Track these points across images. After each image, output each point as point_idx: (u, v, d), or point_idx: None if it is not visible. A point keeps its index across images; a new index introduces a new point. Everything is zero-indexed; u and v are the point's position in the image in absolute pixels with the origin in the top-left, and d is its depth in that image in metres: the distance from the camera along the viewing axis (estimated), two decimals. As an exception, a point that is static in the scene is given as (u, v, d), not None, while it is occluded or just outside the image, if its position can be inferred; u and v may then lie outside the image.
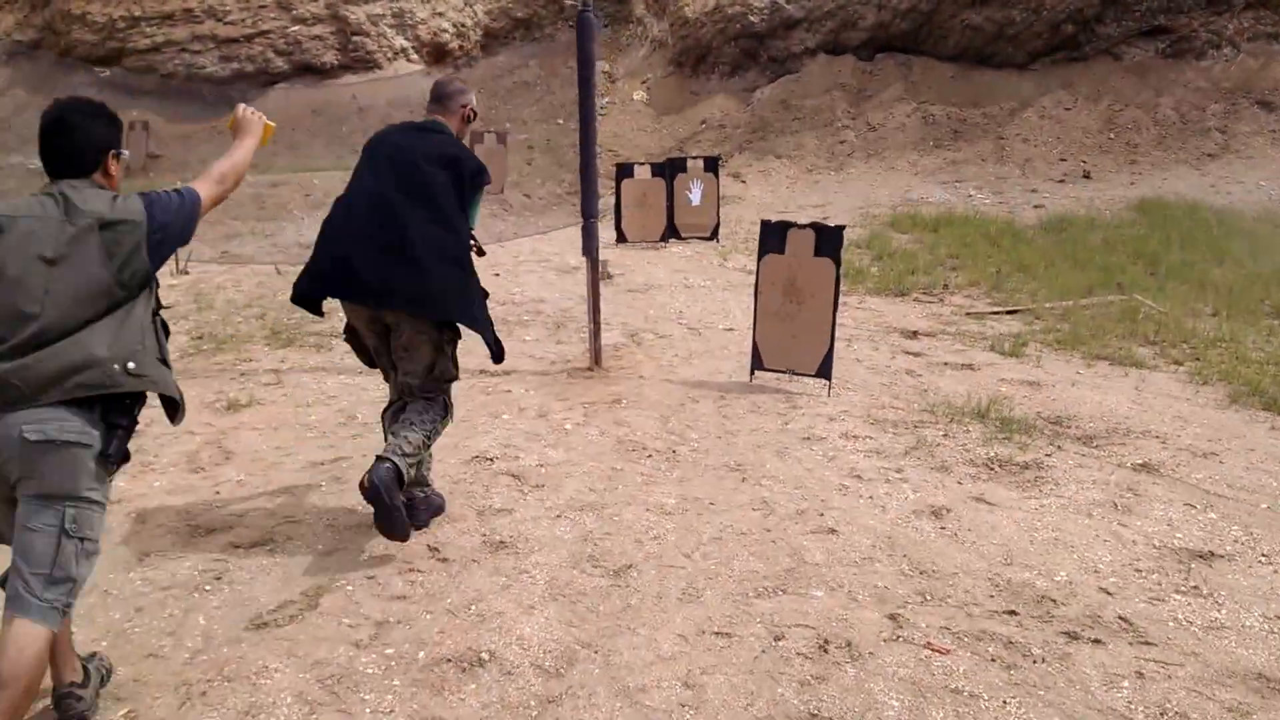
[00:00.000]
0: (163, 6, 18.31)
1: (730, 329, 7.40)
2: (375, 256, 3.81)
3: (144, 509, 4.29)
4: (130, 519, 4.18)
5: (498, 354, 4.12)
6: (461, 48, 19.55)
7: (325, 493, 4.43)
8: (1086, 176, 13.92)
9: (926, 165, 14.72)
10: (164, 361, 2.94)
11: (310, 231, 11.40)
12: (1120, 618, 3.39)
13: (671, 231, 11.01)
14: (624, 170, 10.89)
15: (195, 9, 18.30)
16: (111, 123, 2.90)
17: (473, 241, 4.09)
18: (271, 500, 4.37)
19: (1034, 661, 3.13)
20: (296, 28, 18.41)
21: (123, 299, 2.73)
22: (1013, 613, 3.42)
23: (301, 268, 4.06)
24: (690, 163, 11.13)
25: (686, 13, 18.38)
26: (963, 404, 5.71)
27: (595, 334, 6.32)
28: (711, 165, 11.09)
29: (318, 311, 4.15)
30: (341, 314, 4.14)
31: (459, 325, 4.01)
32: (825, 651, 3.17)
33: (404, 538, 3.67)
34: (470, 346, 4.19)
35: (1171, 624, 3.39)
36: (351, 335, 4.18)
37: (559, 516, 4.19)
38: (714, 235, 11.05)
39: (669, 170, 10.93)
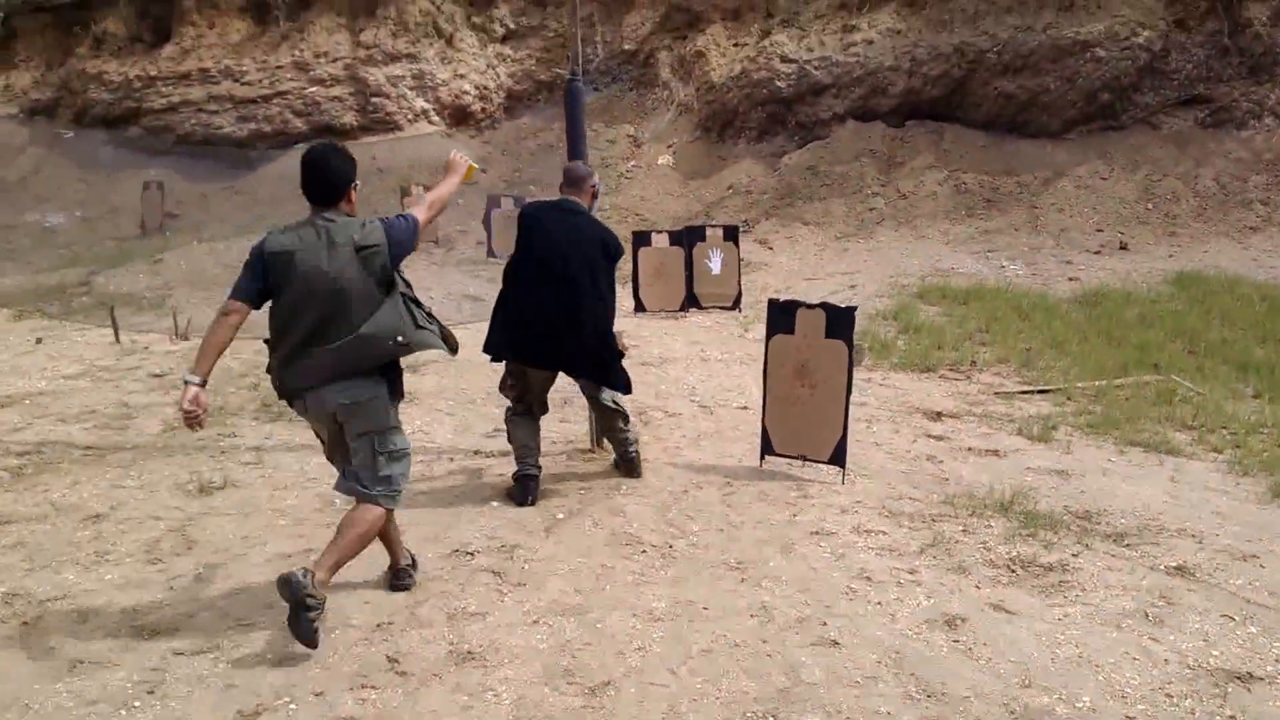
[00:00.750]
0: (179, 67, 18.44)
1: (744, 407, 7.06)
2: (562, 330, 5.02)
3: (89, 607, 4.00)
4: (73, 618, 3.89)
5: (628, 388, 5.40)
6: (484, 110, 19.57)
7: (288, 588, 4.11)
8: (1123, 248, 13.50)
9: (958, 234, 14.38)
10: (420, 325, 3.89)
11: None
12: (1155, 765, 2.99)
13: (692, 301, 10.72)
14: (641, 238, 10.64)
15: (212, 69, 18.41)
16: (351, 162, 3.91)
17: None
18: (227, 599, 4.06)
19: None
20: (315, 89, 18.48)
21: (382, 297, 3.75)
22: (1031, 755, 3.03)
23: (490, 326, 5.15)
24: (709, 231, 10.87)
25: (713, 78, 18.31)
26: (985, 495, 5.33)
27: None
28: (731, 234, 10.82)
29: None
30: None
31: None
32: (815, 802, 2.79)
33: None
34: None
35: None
36: (517, 382, 5.22)
37: (536, 622, 3.86)
38: (736, 305, 10.75)
39: (687, 239, 10.67)
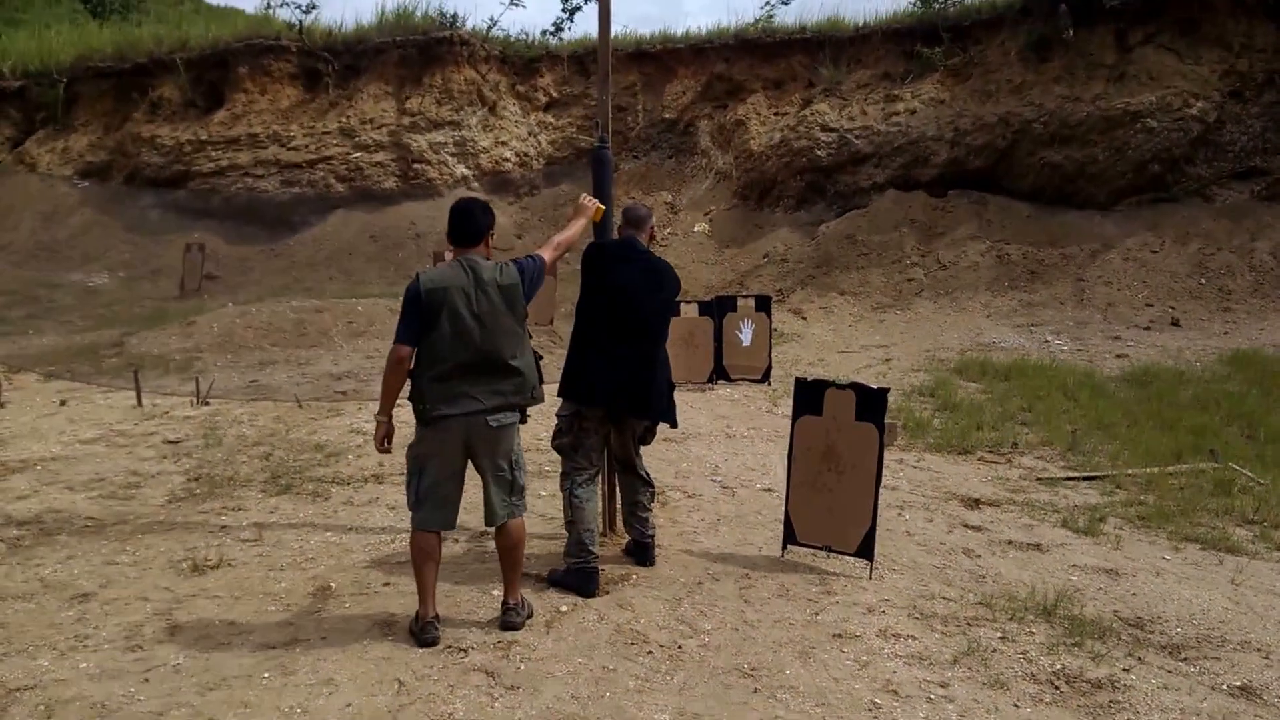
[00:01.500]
0: (229, 131, 18.70)
1: (769, 489, 6.72)
2: (641, 375, 5.01)
3: (57, 699, 3.74)
4: (39, 712, 3.63)
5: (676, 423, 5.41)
6: (523, 176, 19.64)
7: (265, 689, 3.82)
8: (1175, 324, 13.04)
9: (1000, 307, 14.01)
10: (542, 380, 4.48)
11: (346, 362, 11.22)
12: None
13: (720, 373, 10.43)
14: (670, 308, 10.40)
15: (260, 134, 18.65)
16: (490, 214, 4.41)
17: None
18: (201, 695, 3.77)
19: None
20: (359, 154, 18.64)
21: (521, 333, 4.31)
22: None
23: (567, 370, 5.04)
24: (741, 302, 10.61)
25: (752, 146, 18.22)
26: (1026, 597, 4.93)
27: (610, 495, 5.69)
28: (763, 304, 10.55)
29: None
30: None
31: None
32: None
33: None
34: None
35: None
36: (571, 431, 5.04)
37: (526, 734, 3.52)
38: (765, 378, 10.44)
39: (717, 309, 10.41)
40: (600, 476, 5.28)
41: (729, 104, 19.51)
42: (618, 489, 5.52)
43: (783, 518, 5.45)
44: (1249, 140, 15.28)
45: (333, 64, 19.23)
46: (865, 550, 5.14)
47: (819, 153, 17.25)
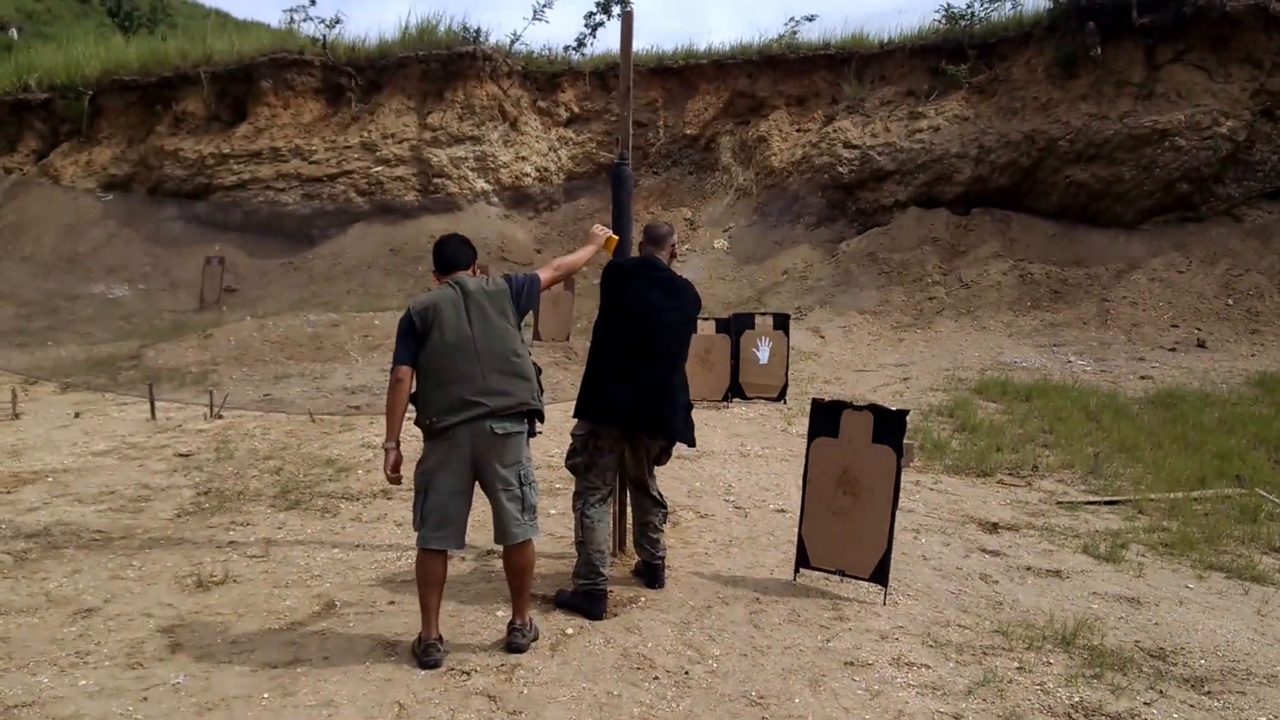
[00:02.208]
0: (251, 145, 18.81)
1: (782, 510, 6.61)
2: (660, 395, 4.93)
3: (54, 717, 3.69)
4: (32, 734, 3.58)
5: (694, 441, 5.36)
6: (543, 191, 19.64)
7: (264, 709, 3.75)
8: (1201, 345, 12.83)
9: (1022, 326, 13.84)
10: (542, 391, 4.43)
11: (361, 376, 11.19)
12: None
13: (736, 391, 10.33)
14: (686, 325, 10.32)
15: (282, 148, 18.74)
16: (471, 246, 4.51)
17: None
18: (199, 715, 3.72)
19: None
20: (379, 168, 18.70)
21: (519, 337, 4.32)
22: None
23: (584, 389, 4.99)
24: (758, 319, 10.51)
25: (774, 162, 18.15)
26: (1044, 625, 4.80)
27: (620, 514, 5.61)
28: (781, 323, 10.44)
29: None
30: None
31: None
32: None
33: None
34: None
35: None
36: (586, 451, 4.96)
37: (525, 763, 3.44)
38: (781, 396, 10.32)
39: (735, 327, 10.32)
40: (612, 497, 5.19)
41: (751, 120, 19.46)
42: (629, 508, 5.44)
43: (796, 540, 5.35)
44: (1279, 159, 15.07)
45: (355, 78, 19.33)
46: (880, 575, 5.03)
47: (841, 169, 17.16)
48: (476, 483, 4.30)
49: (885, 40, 18.59)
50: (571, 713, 3.80)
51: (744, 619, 4.77)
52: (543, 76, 20.34)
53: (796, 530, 5.34)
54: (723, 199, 18.69)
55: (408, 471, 4.28)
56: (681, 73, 20.11)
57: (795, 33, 19.85)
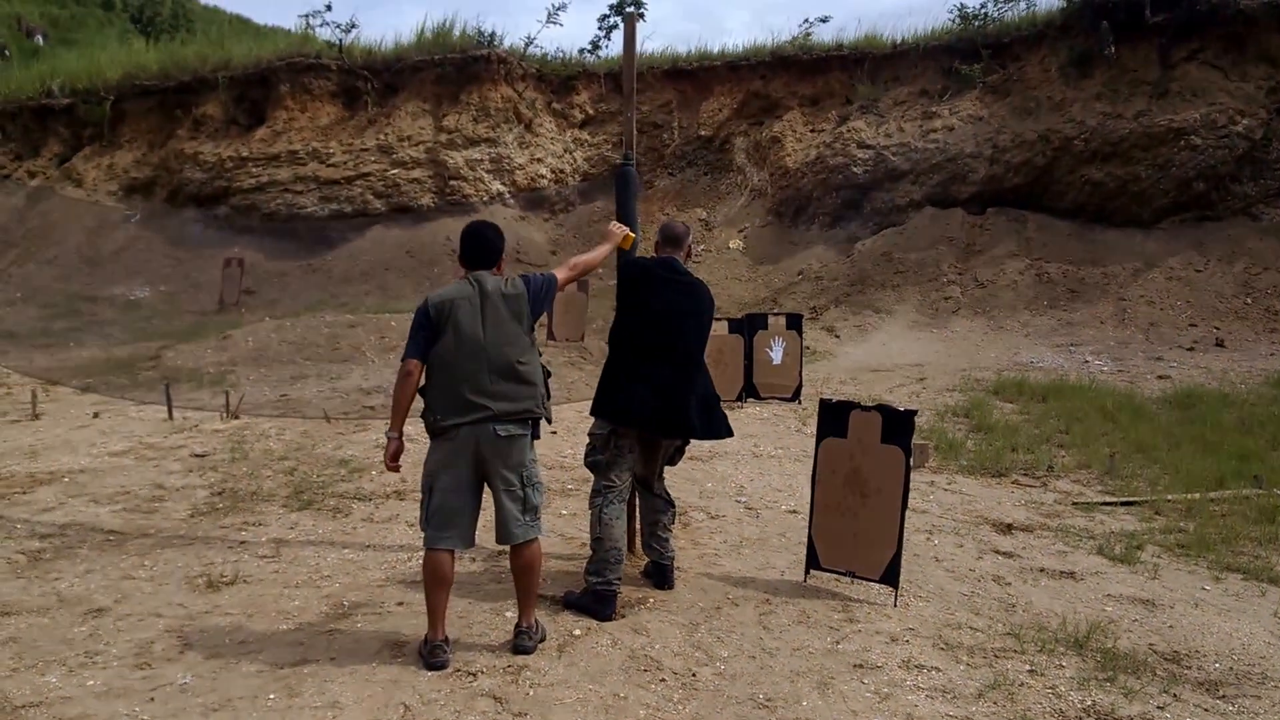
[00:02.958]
0: (269, 148, 18.92)
1: (793, 511, 6.58)
2: (678, 395, 4.89)
3: (61, 718, 3.70)
4: (40, 733, 3.60)
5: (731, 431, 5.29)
6: (559, 193, 19.68)
7: (269, 710, 3.76)
8: (1220, 345, 12.72)
9: (1038, 326, 13.76)
10: (550, 397, 4.41)
11: (377, 377, 11.23)
12: None
13: (750, 391, 10.31)
14: (700, 325, 10.31)
15: (300, 151, 18.85)
16: (502, 237, 4.44)
17: None
18: (205, 715, 3.71)
19: None
20: (396, 171, 18.77)
21: (529, 343, 4.28)
22: None
23: (601, 388, 4.97)
24: (772, 320, 10.49)
25: (788, 163, 18.12)
26: (1057, 628, 4.76)
27: (631, 514, 5.60)
28: (795, 323, 10.42)
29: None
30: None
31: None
32: None
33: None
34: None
35: None
36: (605, 450, 4.91)
37: (530, 764, 3.43)
38: (795, 396, 10.30)
39: (748, 327, 10.30)
40: (630, 496, 5.18)
41: (765, 121, 19.45)
42: (638, 509, 5.42)
43: (806, 541, 5.33)
44: (1297, 157, 14.94)
45: (372, 82, 19.42)
46: (890, 577, 5.00)
47: (855, 170, 17.11)
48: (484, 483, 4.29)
49: (899, 40, 18.55)
50: (577, 714, 3.79)
51: (753, 620, 4.75)
52: (557, 79, 20.38)
53: (807, 531, 5.31)
54: (737, 200, 18.67)
55: (409, 467, 4.29)
56: (695, 74, 20.12)
57: (809, 34, 19.84)
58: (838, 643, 4.50)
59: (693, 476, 7.37)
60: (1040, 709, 3.94)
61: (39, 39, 31.83)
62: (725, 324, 10.35)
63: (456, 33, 19.83)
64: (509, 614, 4.67)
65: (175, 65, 20.21)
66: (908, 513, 5.03)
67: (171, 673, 4.11)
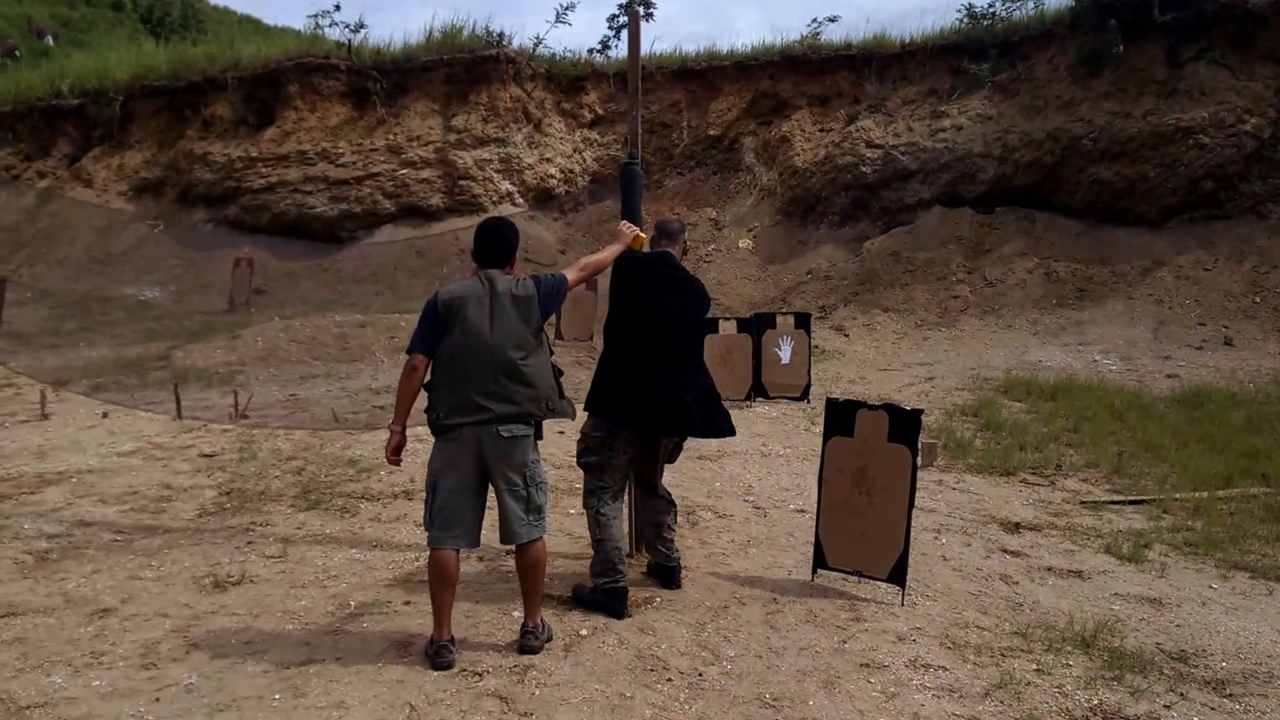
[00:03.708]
0: (278, 149, 18.95)
1: (802, 510, 6.58)
2: (673, 392, 4.86)
3: (64, 718, 3.72)
4: (45, 733, 3.61)
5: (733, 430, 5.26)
6: (568, 192, 19.68)
7: (275, 710, 3.77)
8: (1228, 344, 12.66)
9: (1047, 325, 13.72)
10: (563, 395, 4.39)
11: (386, 377, 11.24)
12: None
13: (758, 390, 10.30)
14: (707, 325, 10.30)
15: (309, 151, 18.88)
16: (517, 234, 4.45)
17: None
18: (210, 716, 3.73)
19: None
20: (405, 171, 18.79)
21: (535, 345, 4.25)
22: None
23: (595, 384, 4.94)
24: (780, 319, 10.48)
25: (797, 162, 18.09)
26: (1064, 627, 4.75)
27: (634, 514, 5.59)
28: (803, 322, 10.41)
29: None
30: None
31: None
32: None
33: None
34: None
35: None
36: (600, 450, 4.89)
37: (535, 763, 3.43)
38: (804, 396, 10.29)
39: (756, 326, 10.29)
40: (625, 494, 5.17)
41: (774, 121, 19.42)
42: (640, 510, 5.42)
43: (814, 540, 5.32)
44: (1306, 156, 14.87)
45: (381, 82, 19.43)
46: (897, 576, 4.99)
47: (864, 169, 17.08)
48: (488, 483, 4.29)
49: (907, 40, 18.50)
50: (583, 714, 3.80)
51: (760, 620, 4.75)
52: (566, 79, 20.38)
53: (814, 531, 5.31)
54: (747, 199, 18.65)
55: (408, 463, 4.30)
56: (704, 74, 20.09)
57: (817, 34, 19.82)
58: (844, 642, 4.50)
59: (701, 476, 7.38)
60: (1047, 708, 3.93)
61: (49, 40, 31.93)
62: (734, 323, 10.36)
63: (465, 33, 19.83)
64: (516, 613, 4.68)
65: (185, 66, 20.24)
66: (915, 512, 5.04)
67: (177, 673, 4.13)
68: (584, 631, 4.56)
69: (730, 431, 5.21)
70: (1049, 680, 4.18)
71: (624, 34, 20.43)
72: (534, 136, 19.67)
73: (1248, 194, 14.95)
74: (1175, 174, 14.96)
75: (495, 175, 19.06)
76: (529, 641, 4.32)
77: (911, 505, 4.96)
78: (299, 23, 53.13)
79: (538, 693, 3.95)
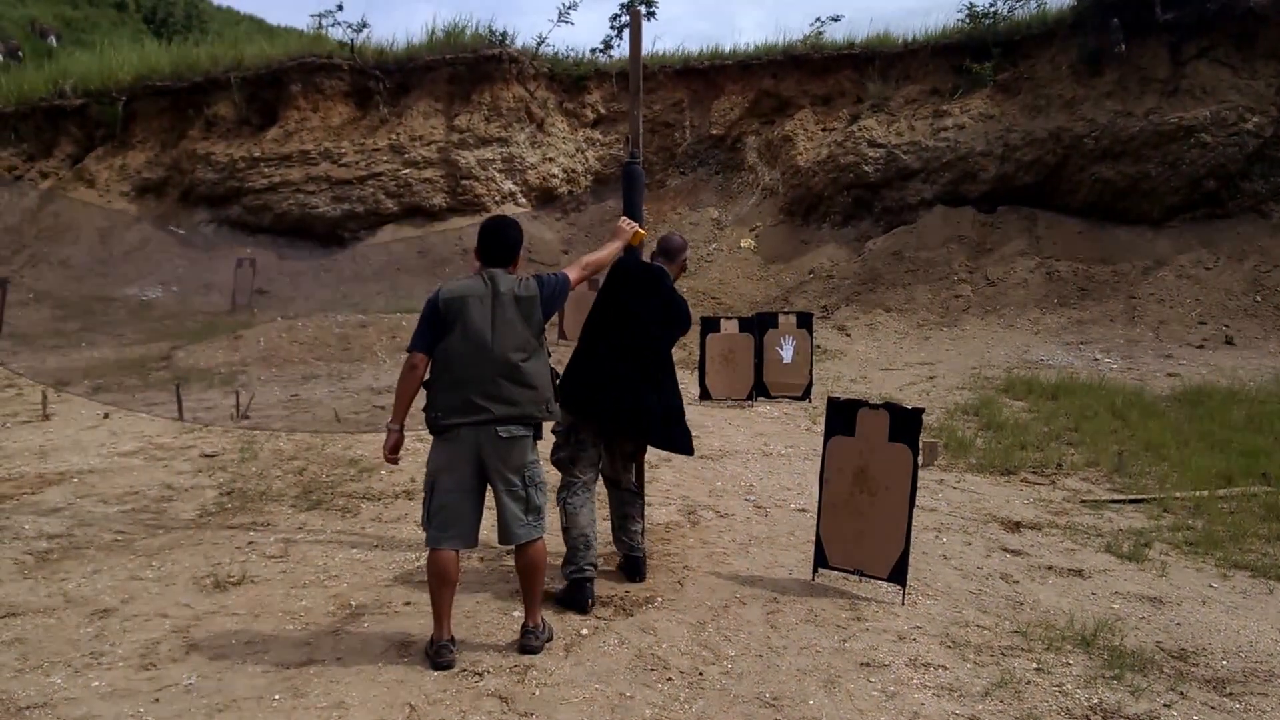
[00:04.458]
0: (281, 149, 18.97)
1: (802, 509, 6.57)
2: (631, 393, 4.97)
3: (64, 719, 3.72)
4: (44, 735, 3.62)
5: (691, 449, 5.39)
6: (570, 192, 19.69)
7: (274, 711, 3.78)
8: (1229, 343, 12.67)
9: (1049, 324, 13.71)
10: (557, 399, 4.43)
11: (388, 377, 11.25)
12: None
13: (760, 389, 10.31)
14: (709, 324, 10.32)
15: (312, 151, 18.89)
16: (521, 232, 4.43)
17: None
18: (209, 716, 3.73)
19: None
20: (408, 170, 18.80)
21: (536, 346, 4.25)
22: None
23: (564, 375, 4.90)
24: (782, 318, 10.49)
25: (799, 162, 18.09)
26: (1064, 626, 4.75)
27: (640, 514, 5.59)
28: (805, 321, 10.41)
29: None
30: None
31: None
32: None
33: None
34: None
35: None
36: (568, 443, 5.00)
37: (535, 763, 3.44)
38: (806, 395, 10.29)
39: (758, 326, 10.29)
40: (595, 486, 5.17)
41: (776, 120, 19.41)
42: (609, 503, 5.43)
43: (815, 540, 5.32)
44: (1307, 155, 14.86)
45: (383, 82, 19.45)
46: (898, 575, 4.99)
47: (866, 169, 17.08)
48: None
49: (909, 39, 18.50)
50: (583, 714, 3.80)
51: (760, 619, 4.75)
52: (569, 78, 20.38)
53: (815, 530, 5.31)
54: (749, 198, 18.66)
55: (407, 462, 4.30)
56: (707, 73, 20.09)
57: (820, 33, 19.82)
58: (845, 641, 4.50)
59: (702, 475, 7.38)
60: (1047, 707, 3.93)
61: (52, 40, 32.00)
62: (736, 323, 10.37)
63: (468, 32, 19.84)
64: (516, 613, 4.68)
65: (187, 66, 20.26)
66: (916, 511, 5.04)
67: (177, 673, 4.13)
68: (584, 631, 4.56)
69: (688, 450, 5.32)
70: (1049, 679, 4.18)
71: (626, 33, 20.42)
72: (536, 136, 19.68)
73: (1249, 193, 14.95)
74: (1177, 173, 14.95)
75: (498, 175, 19.07)
76: (529, 641, 4.32)
77: (912, 504, 4.96)
78: (302, 23, 53.26)
79: (538, 692, 3.96)
